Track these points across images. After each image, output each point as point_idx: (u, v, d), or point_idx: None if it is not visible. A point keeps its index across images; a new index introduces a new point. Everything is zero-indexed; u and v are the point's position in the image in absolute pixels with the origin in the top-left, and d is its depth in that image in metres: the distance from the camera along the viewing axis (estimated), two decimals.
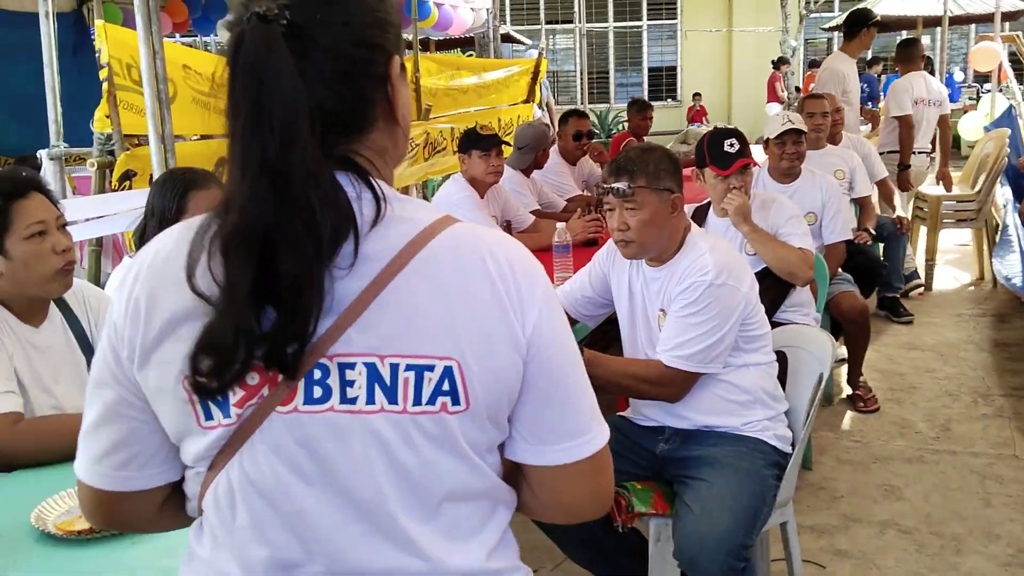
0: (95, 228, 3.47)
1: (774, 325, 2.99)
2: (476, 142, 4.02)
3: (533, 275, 1.02)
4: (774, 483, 2.29)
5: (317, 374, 0.95)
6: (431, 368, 0.96)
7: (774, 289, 3.32)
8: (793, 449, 2.37)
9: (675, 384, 2.30)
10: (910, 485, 3.41)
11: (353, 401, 0.95)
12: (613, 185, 2.32)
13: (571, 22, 18.72)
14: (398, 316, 0.95)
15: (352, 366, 0.95)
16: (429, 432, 0.97)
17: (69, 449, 1.86)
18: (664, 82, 19.12)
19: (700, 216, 3.49)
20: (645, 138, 6.72)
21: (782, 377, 2.49)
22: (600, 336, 2.92)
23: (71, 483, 1.70)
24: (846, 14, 7.14)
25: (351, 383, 0.95)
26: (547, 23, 18.92)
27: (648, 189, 2.29)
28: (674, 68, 19.01)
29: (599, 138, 16.32)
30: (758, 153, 4.26)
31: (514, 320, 0.98)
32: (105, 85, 3.45)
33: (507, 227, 3.36)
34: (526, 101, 8.67)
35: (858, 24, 6.17)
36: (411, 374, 0.95)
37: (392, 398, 0.95)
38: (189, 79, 3.93)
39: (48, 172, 3.60)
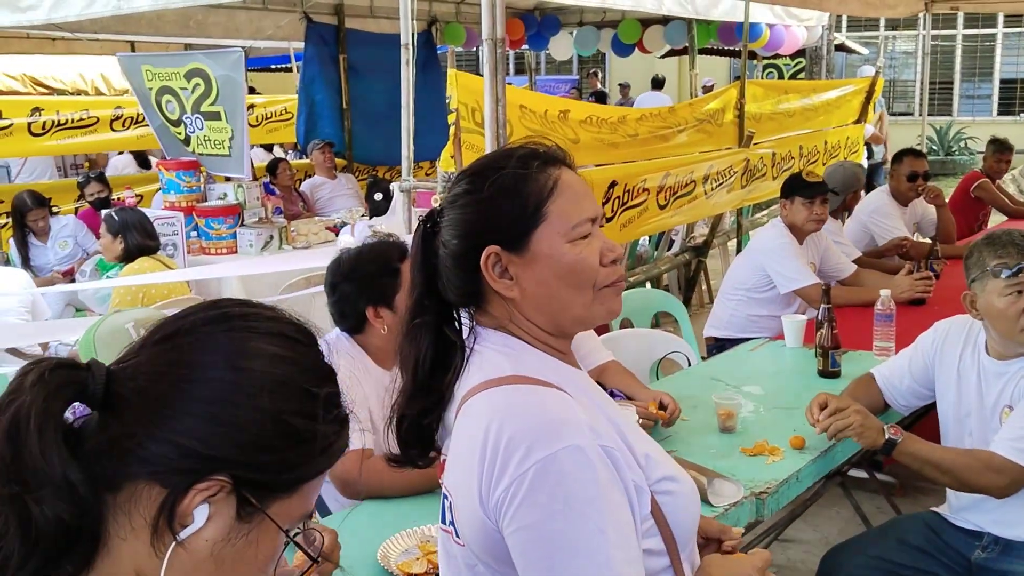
0: None
1: None
2: (801, 188, 3.90)
3: (519, 454, 1.12)
4: None
5: None
6: (447, 496, 1.25)
7: None
8: None
9: (1004, 474, 2.13)
10: None
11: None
12: None
13: (914, 28, 17.46)
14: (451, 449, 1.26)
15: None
16: (450, 550, 1.26)
17: (410, 485, 2.11)
18: (1019, 95, 17.28)
19: None
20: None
21: None
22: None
23: (412, 521, 1.93)
24: None
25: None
26: (887, 29, 17.81)
27: None
28: None
29: (936, 155, 15.11)
30: None
31: (484, 487, 1.14)
32: (452, 129, 3.77)
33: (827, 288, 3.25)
34: (857, 121, 8.29)
35: None
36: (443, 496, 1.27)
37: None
38: (524, 118, 4.21)
39: (399, 202, 4.02)
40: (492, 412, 1.17)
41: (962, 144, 16.05)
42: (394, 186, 4.12)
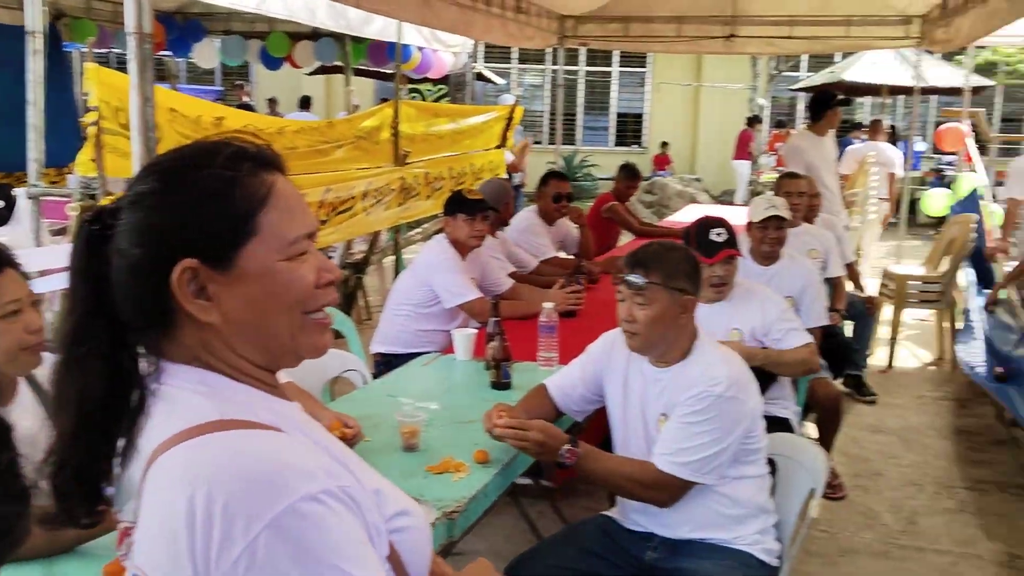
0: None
1: None
2: (462, 205, 4.00)
3: (243, 519, 0.92)
4: None
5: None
6: None
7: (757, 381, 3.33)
8: (780, 562, 2.36)
9: (668, 490, 2.28)
10: None
11: None
12: (627, 277, 2.32)
13: (542, 63, 18.90)
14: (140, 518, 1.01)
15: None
16: None
17: (48, 545, 1.79)
18: (630, 128, 19.36)
19: None
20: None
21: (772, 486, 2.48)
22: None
23: None
24: (806, 90, 7.37)
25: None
26: (519, 63, 19.10)
27: (661, 287, 2.30)
28: (641, 115, 19.26)
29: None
30: (723, 210, 4.32)
31: (200, 566, 0.92)
32: (92, 129, 3.36)
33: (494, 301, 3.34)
34: (499, 147, 8.73)
35: (822, 106, 6.36)
36: None
37: None
38: (175, 122, 3.87)
39: (25, 210, 3.51)
40: (197, 471, 0.95)
41: (585, 171, 17.63)
42: (19, 192, 3.59)
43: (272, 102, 14.73)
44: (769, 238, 4.07)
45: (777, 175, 6.38)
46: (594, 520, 2.54)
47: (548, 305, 3.29)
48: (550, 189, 5.40)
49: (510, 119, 8.82)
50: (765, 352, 3.28)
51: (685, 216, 8.03)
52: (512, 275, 4.57)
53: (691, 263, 2.37)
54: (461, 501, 2.09)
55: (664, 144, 17.52)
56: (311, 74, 12.20)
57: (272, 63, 9.10)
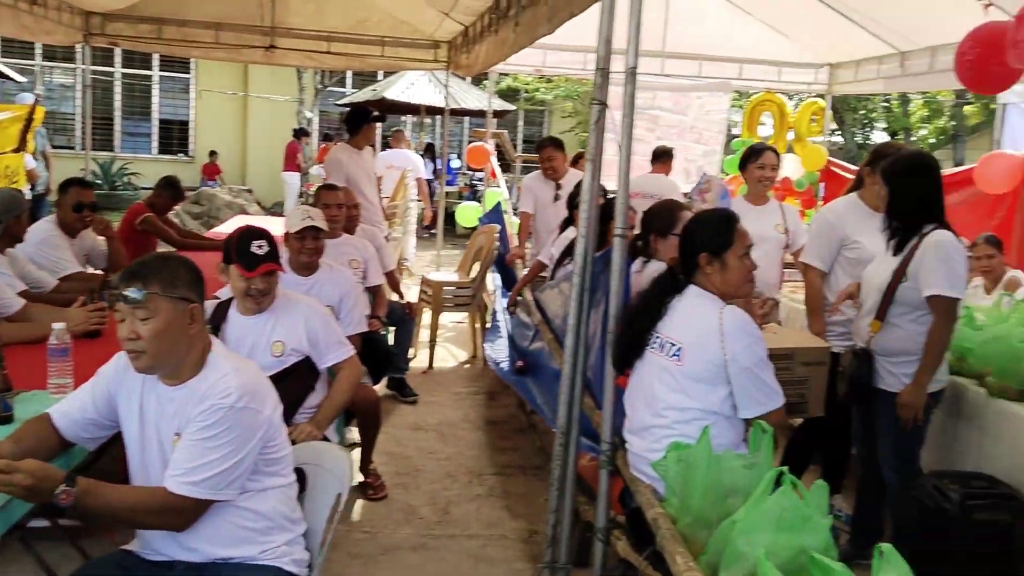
0: None
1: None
2: None
3: None
4: None
5: None
6: None
7: (295, 390, 3.34)
8: (310, 571, 2.36)
9: (182, 513, 2.16)
10: (414, 575, 3.59)
11: None
12: (123, 292, 2.16)
13: (72, 61, 17.30)
14: None
15: None
16: None
17: None
18: (176, 136, 18.46)
19: (221, 312, 3.39)
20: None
21: (300, 495, 2.47)
22: None
23: None
24: (350, 105, 7.61)
25: None
26: (44, 60, 17.30)
27: (162, 296, 2.18)
28: (187, 123, 18.46)
29: (102, 189, 15.17)
30: (272, 222, 4.30)
31: None
32: None
33: None
34: (17, 150, 7.89)
35: (359, 121, 6.62)
36: None
37: None
38: None
39: None
40: None
41: (126, 179, 16.49)
42: None
43: None
44: (307, 248, 4.11)
45: None
46: (111, 556, 2.34)
47: (58, 326, 2.97)
48: (70, 198, 4.93)
49: (30, 120, 7.99)
50: (326, 416, 3.39)
51: (232, 227, 7.83)
52: (26, 294, 4.08)
53: (192, 271, 2.27)
54: None
55: (213, 153, 16.98)
56: None
57: None
